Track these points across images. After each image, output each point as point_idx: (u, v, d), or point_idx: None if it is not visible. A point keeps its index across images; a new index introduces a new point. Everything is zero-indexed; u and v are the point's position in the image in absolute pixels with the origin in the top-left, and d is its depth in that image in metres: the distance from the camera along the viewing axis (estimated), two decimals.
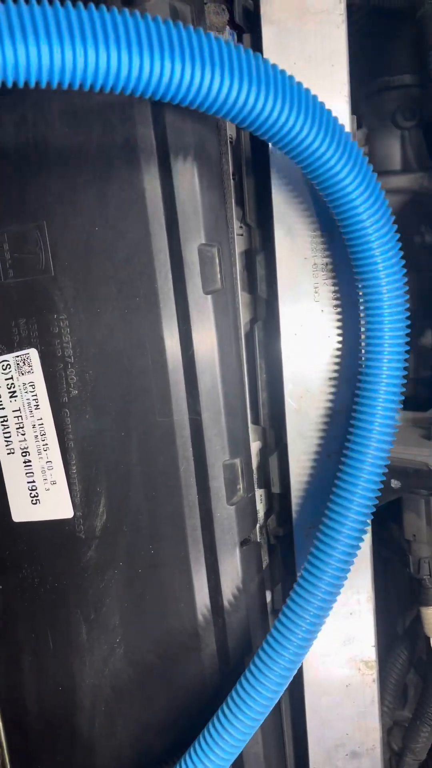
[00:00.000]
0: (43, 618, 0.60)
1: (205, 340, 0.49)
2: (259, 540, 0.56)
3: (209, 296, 0.49)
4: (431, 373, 0.77)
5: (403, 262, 0.45)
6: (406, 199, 0.74)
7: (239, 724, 0.48)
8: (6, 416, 0.58)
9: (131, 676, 0.57)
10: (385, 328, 0.44)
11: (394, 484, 0.60)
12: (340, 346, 0.52)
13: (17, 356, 0.56)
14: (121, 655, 0.56)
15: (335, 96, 0.49)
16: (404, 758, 0.64)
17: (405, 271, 0.45)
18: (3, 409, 0.58)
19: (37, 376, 0.55)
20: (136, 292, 0.50)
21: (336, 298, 0.52)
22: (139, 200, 0.48)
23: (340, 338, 0.52)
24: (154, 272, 0.49)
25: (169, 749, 0.57)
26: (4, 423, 0.58)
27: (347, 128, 0.50)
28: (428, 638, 0.63)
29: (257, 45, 0.50)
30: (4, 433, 0.58)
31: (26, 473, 0.57)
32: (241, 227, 0.54)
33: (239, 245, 0.54)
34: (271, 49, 0.49)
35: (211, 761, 0.49)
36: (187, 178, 0.47)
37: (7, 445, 0.58)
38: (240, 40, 0.52)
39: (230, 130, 0.53)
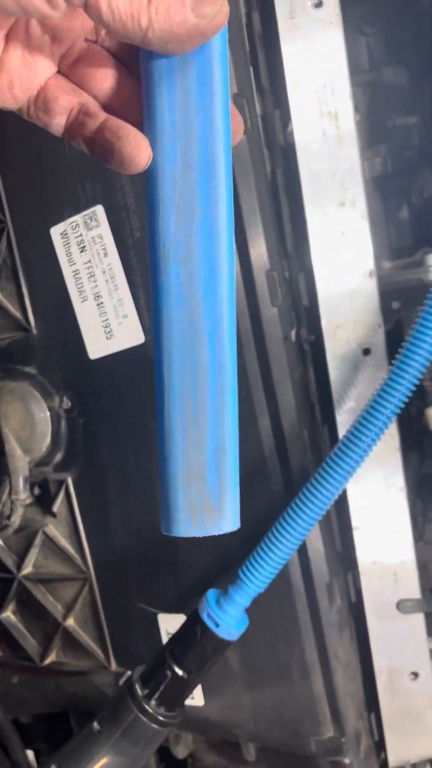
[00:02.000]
0: (124, 436, 0.72)
1: (244, 178, 0.63)
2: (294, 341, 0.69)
3: (244, 138, 0.62)
4: None
5: None
6: (375, 90, 0.88)
7: (318, 501, 0.60)
8: (78, 269, 0.70)
9: None
10: None
11: (395, 305, 0.75)
12: (350, 176, 0.66)
13: (84, 215, 0.68)
14: None
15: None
16: (425, 527, 0.78)
17: None
18: (74, 264, 0.70)
19: (104, 228, 0.68)
20: None
21: (337, 138, 0.66)
22: None
23: (349, 174, 0.66)
24: None
25: (243, 526, 0.70)
26: (77, 275, 0.70)
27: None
28: None
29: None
30: (77, 284, 0.70)
31: (99, 314, 0.70)
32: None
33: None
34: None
35: (283, 545, 0.61)
36: None
37: (80, 294, 0.70)
38: None
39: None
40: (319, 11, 0.64)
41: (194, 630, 0.64)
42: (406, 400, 0.58)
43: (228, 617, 0.63)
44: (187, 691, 0.66)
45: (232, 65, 0.61)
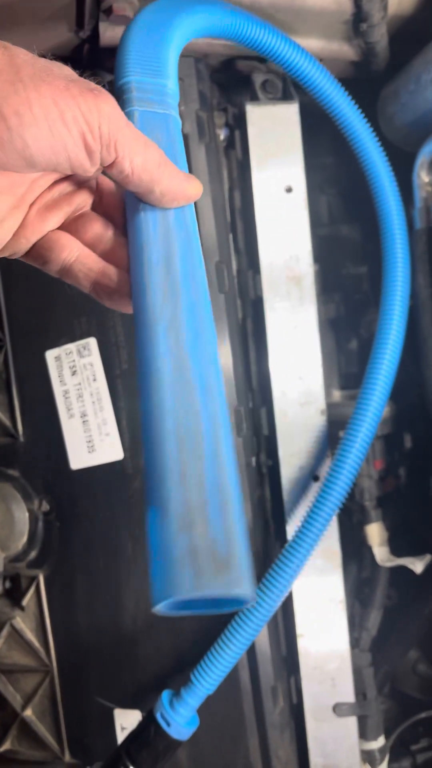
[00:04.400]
0: (96, 542, 0.80)
1: (219, 327, 0.74)
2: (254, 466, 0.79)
3: (222, 296, 0.74)
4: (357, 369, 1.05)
5: None
6: (332, 243, 1.03)
7: (261, 609, 0.69)
8: (68, 389, 0.79)
9: None
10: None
11: (341, 434, 0.86)
12: (308, 330, 0.78)
13: (78, 344, 0.78)
14: None
15: (295, 166, 0.77)
16: (361, 635, 0.87)
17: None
18: (65, 384, 0.79)
19: (95, 358, 0.77)
20: None
21: (299, 298, 0.78)
22: None
23: (308, 328, 0.78)
24: None
25: (199, 632, 0.77)
26: (66, 394, 0.79)
27: (302, 189, 0.78)
28: (371, 547, 0.87)
29: (244, 137, 0.77)
30: (65, 402, 0.79)
31: (84, 430, 0.79)
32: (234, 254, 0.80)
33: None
34: (254, 138, 0.76)
35: (230, 651, 0.70)
36: (208, 220, 0.73)
37: (68, 411, 0.79)
38: (232, 134, 0.79)
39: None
40: (290, 195, 0.78)
41: (148, 729, 0.70)
42: (330, 519, 0.69)
43: (179, 717, 0.70)
44: None
45: (215, 234, 0.74)
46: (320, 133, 0.85)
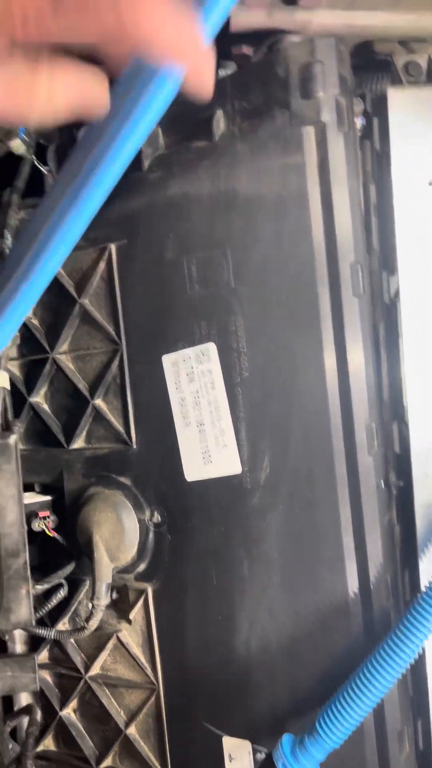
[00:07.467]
0: (209, 558, 0.75)
1: (352, 332, 0.67)
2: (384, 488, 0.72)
3: (356, 299, 0.67)
4: None
5: None
6: None
7: (391, 668, 0.61)
8: (184, 397, 0.75)
9: (285, 599, 0.72)
10: None
11: None
12: None
13: (197, 349, 0.74)
14: (278, 583, 0.72)
15: None
16: None
17: None
18: (182, 391, 0.75)
19: (214, 364, 0.73)
20: (301, 298, 0.68)
21: None
22: (307, 232, 0.67)
23: None
24: (315, 283, 0.67)
25: (320, 666, 0.71)
26: (183, 402, 0.75)
27: None
28: None
29: (383, 125, 0.70)
30: (182, 409, 0.75)
31: (200, 440, 0.74)
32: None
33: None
34: (395, 125, 0.69)
35: (364, 701, 0.62)
36: (344, 216, 0.66)
37: (184, 419, 0.75)
38: (369, 123, 0.72)
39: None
40: None
41: None
42: None
43: None
44: None
45: (352, 233, 0.67)
46: None
